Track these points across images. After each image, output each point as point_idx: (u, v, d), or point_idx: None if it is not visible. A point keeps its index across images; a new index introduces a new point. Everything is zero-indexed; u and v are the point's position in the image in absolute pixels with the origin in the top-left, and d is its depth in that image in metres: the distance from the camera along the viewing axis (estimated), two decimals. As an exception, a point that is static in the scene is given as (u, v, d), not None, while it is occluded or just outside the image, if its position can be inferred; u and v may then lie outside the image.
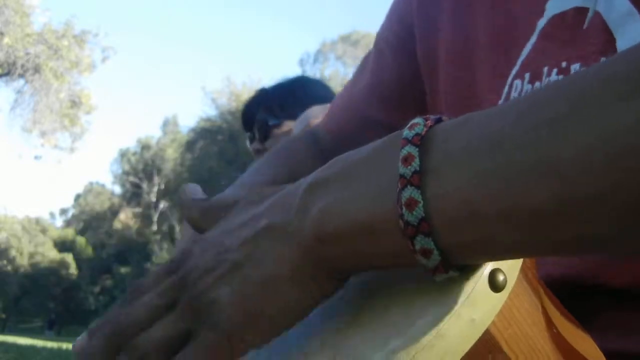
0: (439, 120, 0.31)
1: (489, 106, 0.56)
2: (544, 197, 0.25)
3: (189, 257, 0.38)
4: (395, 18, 0.71)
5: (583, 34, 0.49)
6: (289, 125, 1.49)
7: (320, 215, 0.32)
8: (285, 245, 0.33)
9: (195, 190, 0.47)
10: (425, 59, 0.66)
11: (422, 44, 0.66)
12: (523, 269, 0.33)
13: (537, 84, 0.52)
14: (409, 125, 0.31)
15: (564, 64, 0.50)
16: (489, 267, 0.31)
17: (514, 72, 0.54)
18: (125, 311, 0.37)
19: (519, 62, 0.54)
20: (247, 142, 1.61)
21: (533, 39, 0.53)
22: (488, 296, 0.30)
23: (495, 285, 0.31)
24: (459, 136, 0.29)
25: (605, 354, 0.37)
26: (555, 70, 0.50)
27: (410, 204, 0.28)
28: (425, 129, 0.30)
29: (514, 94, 0.54)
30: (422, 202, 0.28)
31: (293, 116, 1.48)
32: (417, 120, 0.31)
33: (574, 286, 0.46)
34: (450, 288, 0.30)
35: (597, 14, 0.48)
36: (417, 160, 0.29)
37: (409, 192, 0.28)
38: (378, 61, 0.73)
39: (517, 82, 0.54)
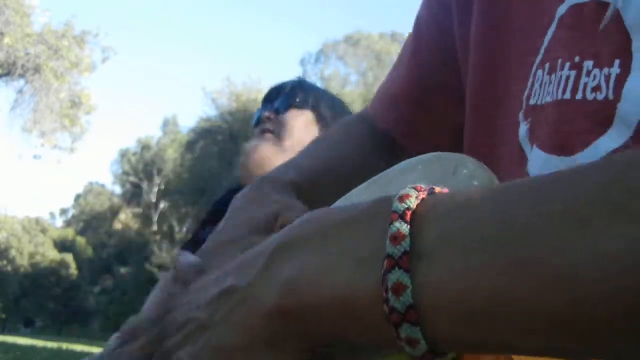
0: (431, 192, 0.29)
1: (515, 97, 0.54)
2: (556, 302, 0.23)
3: (172, 308, 0.36)
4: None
5: (600, 30, 0.46)
6: (308, 116, 1.46)
7: (286, 284, 0.29)
8: (245, 311, 0.31)
9: (189, 257, 0.44)
10: (461, 41, 0.63)
11: (459, 26, 0.63)
12: None
13: (553, 75, 0.49)
14: (399, 195, 0.28)
15: (576, 59, 0.47)
16: None
17: (537, 60, 0.52)
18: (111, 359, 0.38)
19: (541, 51, 0.52)
20: (259, 112, 1.52)
21: (553, 26, 0.51)
22: None
23: None
24: (459, 217, 0.26)
25: None
26: (567, 64, 0.47)
27: (398, 288, 0.26)
28: (417, 202, 0.28)
29: (536, 86, 0.51)
30: (410, 287, 0.26)
31: (318, 113, 1.46)
32: (409, 190, 0.28)
33: None
34: None
35: (616, 11, 0.46)
36: (407, 239, 0.26)
37: (397, 275, 0.26)
38: (416, 44, 0.70)
39: (540, 72, 0.51)
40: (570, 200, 0.24)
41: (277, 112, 1.45)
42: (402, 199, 0.28)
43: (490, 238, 0.25)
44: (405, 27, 0.73)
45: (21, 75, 17.78)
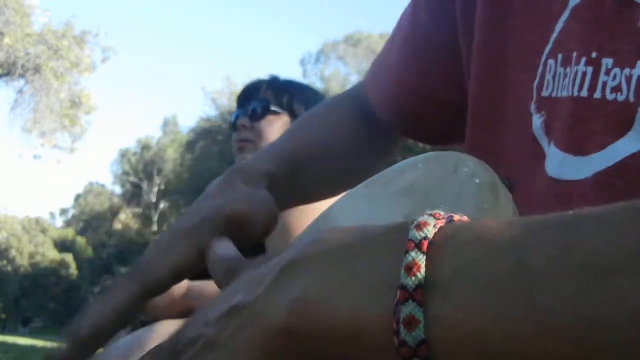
0: (450, 220, 0.28)
1: (524, 85, 0.51)
2: (569, 350, 0.23)
3: (189, 324, 0.35)
4: None
5: (620, 26, 0.43)
6: (284, 120, 1.46)
7: (293, 304, 0.28)
8: (251, 328, 0.30)
9: (225, 246, 0.43)
10: (462, 16, 0.59)
11: (463, 8, 0.59)
12: None
13: (568, 69, 0.47)
14: (416, 223, 0.27)
15: (594, 55, 0.44)
16: None
17: (547, 49, 0.49)
18: None
19: (552, 39, 0.49)
20: (236, 114, 1.52)
21: (565, 15, 0.48)
22: None
23: None
24: (475, 251, 0.25)
25: None
26: (584, 59, 0.45)
27: (410, 322, 0.25)
28: (434, 231, 0.27)
29: (548, 76, 0.49)
30: (423, 321, 0.25)
31: (293, 115, 1.46)
32: (427, 218, 0.27)
33: None
34: None
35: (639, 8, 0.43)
36: (423, 271, 0.26)
37: (410, 308, 0.25)
38: (414, 17, 0.66)
39: (551, 61, 0.49)
40: (589, 249, 0.23)
41: (253, 118, 1.46)
42: (419, 226, 0.27)
43: (506, 279, 0.24)
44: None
45: (21, 75, 17.77)
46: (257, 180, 0.54)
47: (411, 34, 0.65)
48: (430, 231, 0.27)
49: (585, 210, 0.25)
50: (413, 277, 0.25)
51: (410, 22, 0.66)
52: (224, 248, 0.42)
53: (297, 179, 0.59)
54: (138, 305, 0.46)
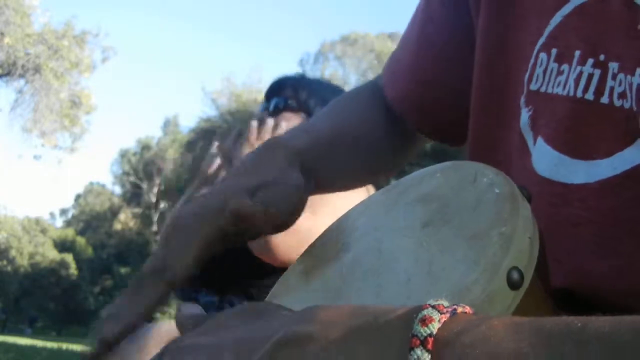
0: (454, 312, 0.27)
1: (516, 78, 0.49)
2: None
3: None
4: None
5: (624, 29, 0.42)
6: (299, 118, 1.45)
7: None
8: None
9: (192, 307, 0.41)
10: (474, 8, 0.58)
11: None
12: (538, 268, 0.33)
13: (565, 66, 0.45)
14: (420, 317, 0.26)
15: (602, 57, 0.43)
16: (506, 265, 0.31)
17: (540, 42, 0.48)
18: None
19: (546, 32, 0.48)
20: (260, 108, 1.55)
21: (565, 9, 0.46)
22: (505, 294, 0.31)
23: (512, 283, 0.31)
24: (481, 355, 0.24)
25: None
26: (591, 60, 0.43)
27: None
28: (439, 325, 0.26)
29: (538, 70, 0.47)
30: None
31: (309, 113, 1.46)
32: (431, 312, 0.27)
33: (576, 299, 0.43)
34: (470, 285, 0.31)
35: None
36: None
37: None
38: (427, 8, 0.65)
39: (543, 55, 0.47)
40: None
41: (272, 114, 1.48)
42: (424, 322, 0.26)
43: None
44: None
45: (21, 76, 17.78)
46: (289, 157, 0.54)
47: (425, 26, 0.64)
48: (435, 327, 0.26)
49: (593, 321, 0.24)
50: None
51: (424, 14, 0.65)
52: (191, 308, 0.41)
53: (327, 163, 0.59)
54: (165, 300, 0.47)
